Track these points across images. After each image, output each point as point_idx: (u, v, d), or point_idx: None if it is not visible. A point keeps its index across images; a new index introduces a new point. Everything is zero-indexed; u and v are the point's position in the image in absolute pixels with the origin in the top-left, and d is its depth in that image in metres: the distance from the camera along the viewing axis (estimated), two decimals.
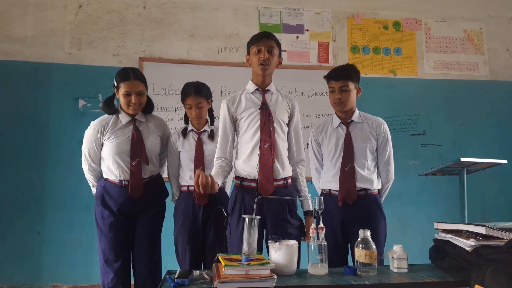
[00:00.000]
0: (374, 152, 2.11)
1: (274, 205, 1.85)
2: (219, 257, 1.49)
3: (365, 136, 2.10)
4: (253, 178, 1.86)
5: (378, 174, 2.13)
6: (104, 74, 3.30)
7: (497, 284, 1.16)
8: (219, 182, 1.79)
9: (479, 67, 3.86)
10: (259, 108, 1.91)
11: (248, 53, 1.96)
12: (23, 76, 3.22)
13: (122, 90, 2.09)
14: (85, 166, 2.20)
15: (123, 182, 2.11)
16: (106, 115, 2.17)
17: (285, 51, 3.60)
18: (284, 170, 1.91)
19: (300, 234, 1.92)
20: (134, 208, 2.14)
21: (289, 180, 1.93)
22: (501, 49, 3.91)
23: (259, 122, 1.89)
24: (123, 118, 2.14)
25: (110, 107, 2.16)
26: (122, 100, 2.12)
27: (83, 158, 2.19)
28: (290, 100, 2.02)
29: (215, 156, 1.94)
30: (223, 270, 1.38)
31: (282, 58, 1.99)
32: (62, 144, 3.20)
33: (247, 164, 1.88)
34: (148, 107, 2.23)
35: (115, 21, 3.40)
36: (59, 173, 3.18)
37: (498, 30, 3.92)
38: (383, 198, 2.18)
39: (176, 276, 1.39)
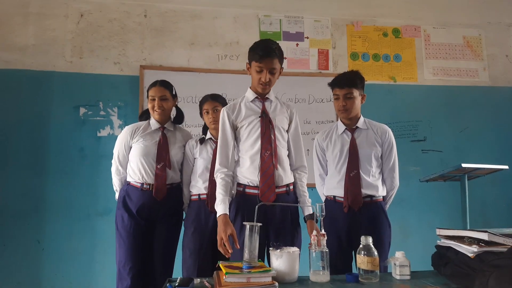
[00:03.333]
0: (379, 158, 2.11)
1: (276, 213, 1.84)
2: (220, 265, 1.48)
3: (370, 143, 2.10)
4: (255, 185, 1.84)
5: (383, 181, 2.12)
6: (105, 82, 3.32)
7: None
8: (228, 204, 1.81)
9: (478, 73, 3.87)
10: (259, 116, 1.90)
11: (249, 63, 1.91)
12: (24, 84, 3.23)
13: (149, 96, 2.30)
14: (113, 169, 2.32)
15: (145, 185, 2.20)
16: (140, 122, 2.38)
17: (285, 58, 3.61)
18: (286, 177, 1.90)
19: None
20: (152, 212, 2.20)
21: (291, 187, 1.92)
22: (501, 55, 3.93)
23: (259, 130, 1.88)
24: (153, 124, 2.32)
25: (143, 115, 2.40)
26: (149, 105, 2.32)
27: (113, 161, 2.32)
28: (289, 107, 2.02)
29: (217, 164, 1.89)
30: (224, 277, 1.37)
31: (283, 68, 1.95)
32: (62, 152, 3.20)
33: (249, 172, 1.86)
34: (178, 118, 2.45)
35: (116, 29, 3.42)
36: (59, 181, 3.17)
37: (497, 36, 3.93)
38: (388, 205, 2.18)
39: (177, 283, 1.37)
